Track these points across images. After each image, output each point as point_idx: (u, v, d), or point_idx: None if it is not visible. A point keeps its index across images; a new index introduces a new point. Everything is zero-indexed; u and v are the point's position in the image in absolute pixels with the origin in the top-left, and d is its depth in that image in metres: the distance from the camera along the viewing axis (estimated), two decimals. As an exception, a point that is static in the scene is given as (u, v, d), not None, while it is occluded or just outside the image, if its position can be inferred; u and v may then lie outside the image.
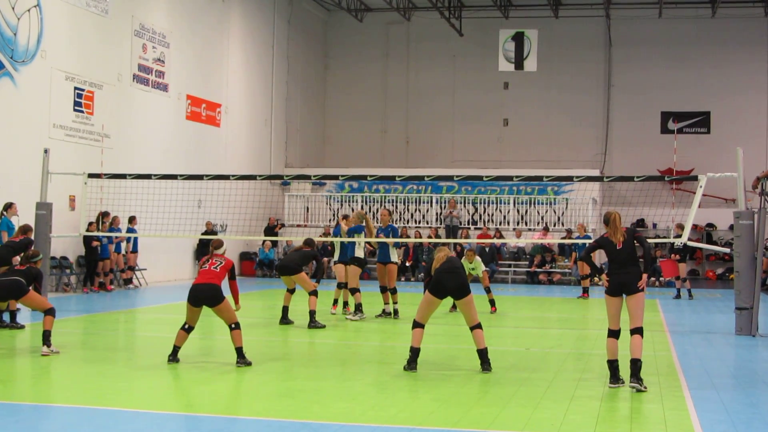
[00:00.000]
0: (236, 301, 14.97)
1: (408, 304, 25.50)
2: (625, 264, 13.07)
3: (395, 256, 21.76)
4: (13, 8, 25.76)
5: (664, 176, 30.39)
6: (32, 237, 18.39)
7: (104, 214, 27.73)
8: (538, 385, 12.78)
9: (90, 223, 26.13)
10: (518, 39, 40.48)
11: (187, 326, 14.50)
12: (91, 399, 11.62)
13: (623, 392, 12.30)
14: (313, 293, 19.66)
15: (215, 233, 31.61)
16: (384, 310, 21.57)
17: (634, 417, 10.80)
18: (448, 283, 13.90)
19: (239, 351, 14.24)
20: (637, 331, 12.90)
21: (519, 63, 40.47)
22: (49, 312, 15.39)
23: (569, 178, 28.25)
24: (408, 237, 36.82)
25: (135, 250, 29.86)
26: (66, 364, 14.09)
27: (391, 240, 21.47)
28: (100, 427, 10.12)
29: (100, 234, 27.30)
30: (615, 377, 12.75)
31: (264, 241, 36.51)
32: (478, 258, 23.37)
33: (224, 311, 14.39)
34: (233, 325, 14.34)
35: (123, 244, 29.46)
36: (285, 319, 19.94)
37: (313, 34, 46.44)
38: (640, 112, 43.85)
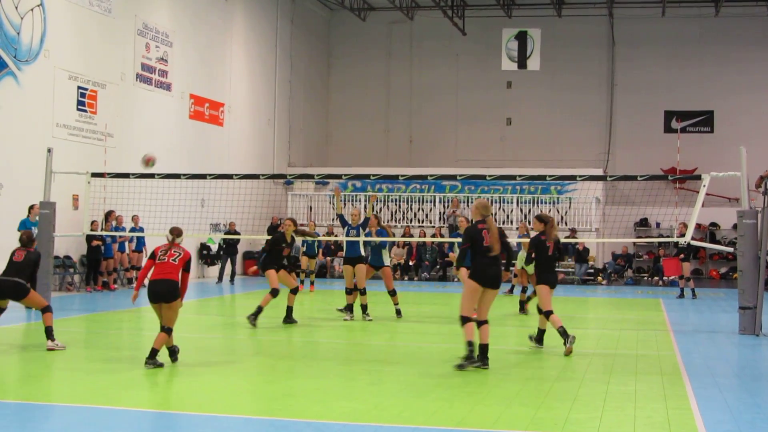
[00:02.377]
0: (181, 297, 14.31)
1: (411, 303, 25.53)
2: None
3: (388, 259, 21.68)
4: (16, 7, 25.77)
5: (668, 175, 30.36)
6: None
7: (108, 214, 27.75)
8: (542, 385, 12.77)
9: (92, 222, 26.13)
10: (521, 38, 40.50)
11: (166, 328, 13.99)
12: (93, 398, 11.61)
13: (627, 392, 12.29)
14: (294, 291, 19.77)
15: (238, 233, 31.61)
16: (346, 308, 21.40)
17: (637, 416, 10.78)
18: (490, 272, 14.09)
19: (153, 352, 13.74)
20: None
21: (522, 62, 40.48)
22: (47, 309, 15.50)
23: (572, 178, 28.27)
24: (411, 236, 36.82)
25: (139, 250, 29.86)
26: (68, 363, 14.08)
27: (366, 240, 21.32)
28: (102, 426, 10.12)
29: (104, 233, 27.34)
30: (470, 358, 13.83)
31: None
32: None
33: (172, 310, 14.02)
34: (166, 328, 13.91)
35: (126, 244, 29.47)
36: (289, 319, 19.89)
37: (316, 34, 46.44)
38: (643, 111, 43.83)
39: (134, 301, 15.03)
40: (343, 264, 21.53)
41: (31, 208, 23.67)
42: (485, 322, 14.06)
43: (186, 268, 14.29)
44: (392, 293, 21.39)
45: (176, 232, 14.67)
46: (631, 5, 43.63)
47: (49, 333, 15.29)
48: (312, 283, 29.40)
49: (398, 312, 21.43)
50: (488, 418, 10.55)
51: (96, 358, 14.70)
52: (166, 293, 13.98)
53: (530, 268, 22.38)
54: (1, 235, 24.85)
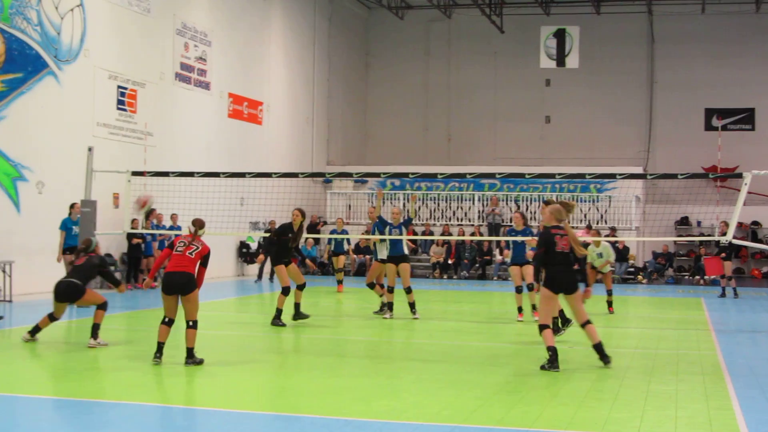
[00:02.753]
0: (198, 286, 14.33)
1: (451, 301, 25.51)
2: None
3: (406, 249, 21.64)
4: (56, 8, 25.93)
5: (708, 173, 30.09)
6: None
7: (150, 212, 27.86)
8: (582, 384, 12.72)
9: (133, 220, 26.25)
10: (560, 36, 40.37)
11: (167, 320, 14.03)
12: (134, 395, 11.66)
13: (668, 391, 12.22)
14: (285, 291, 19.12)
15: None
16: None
17: (678, 416, 10.72)
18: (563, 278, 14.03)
19: (190, 351, 13.76)
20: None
21: (561, 60, 40.35)
22: (102, 306, 15.62)
23: (612, 176, 28.08)
24: (450, 235, 36.77)
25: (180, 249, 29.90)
26: (110, 361, 14.14)
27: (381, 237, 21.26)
28: (144, 423, 10.16)
29: (144, 231, 27.47)
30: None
31: (306, 239, 36.56)
32: (605, 244, 23.31)
33: (192, 302, 13.93)
34: (191, 323, 13.87)
35: (166, 242, 29.56)
36: (299, 315, 19.50)
37: (354, 32, 46.47)
38: (683, 109, 43.56)
39: (146, 289, 15.25)
40: (387, 263, 21.28)
41: (72, 206, 23.81)
42: (588, 322, 14.12)
43: (203, 263, 14.22)
44: (408, 290, 21.17)
45: (198, 224, 14.51)
46: (670, 2, 43.39)
47: (94, 330, 15.40)
48: (340, 282, 28.73)
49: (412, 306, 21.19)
50: (528, 417, 10.51)
51: (136, 356, 14.75)
52: (182, 285, 13.91)
53: (598, 262, 22.52)
54: (43, 232, 25.04)
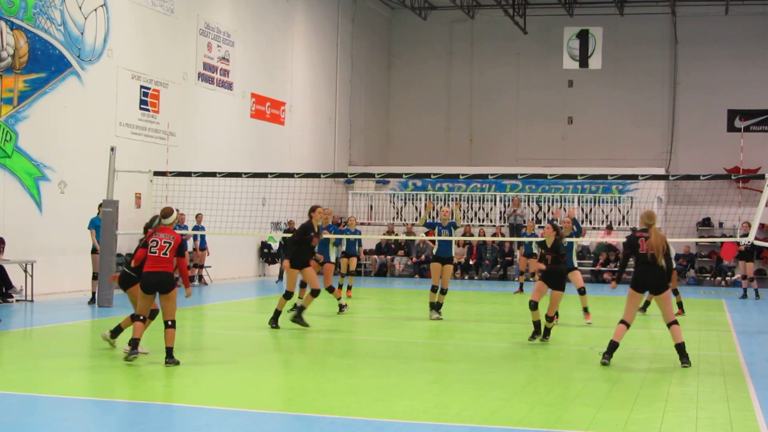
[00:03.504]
0: (186, 284, 14.54)
1: (472, 302, 25.50)
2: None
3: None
4: (80, 8, 26.03)
5: (731, 175, 30.07)
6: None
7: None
8: (602, 385, 12.71)
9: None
10: (583, 37, 40.27)
11: (141, 318, 13.95)
12: (155, 395, 11.71)
13: (689, 393, 12.20)
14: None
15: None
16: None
17: (699, 417, 10.70)
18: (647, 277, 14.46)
19: (169, 351, 13.57)
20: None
21: (584, 61, 40.26)
22: (171, 325, 13.86)
23: (634, 177, 28.02)
24: (471, 235, 36.75)
25: (203, 248, 30.00)
26: (132, 361, 14.18)
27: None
28: (165, 423, 10.21)
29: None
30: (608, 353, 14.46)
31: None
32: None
33: (171, 301, 13.76)
34: (170, 323, 13.67)
35: (190, 242, 29.65)
36: (299, 319, 18.86)
37: (377, 33, 46.49)
38: (705, 110, 43.41)
39: (115, 281, 14.76)
40: (432, 262, 21.11)
41: (101, 205, 23.72)
42: (674, 323, 14.51)
43: (179, 253, 13.98)
44: (443, 291, 21.14)
45: (163, 213, 14.16)
46: (694, 3, 43.27)
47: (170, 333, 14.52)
48: (349, 287, 26.73)
49: (439, 306, 21.19)
50: (549, 417, 10.51)
51: (160, 355, 14.80)
52: (161, 283, 13.76)
53: None
54: (65, 232, 25.15)
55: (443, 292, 20.84)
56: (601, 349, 15.00)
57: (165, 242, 13.85)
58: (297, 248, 18.78)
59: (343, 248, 26.53)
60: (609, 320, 20.97)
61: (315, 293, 18.50)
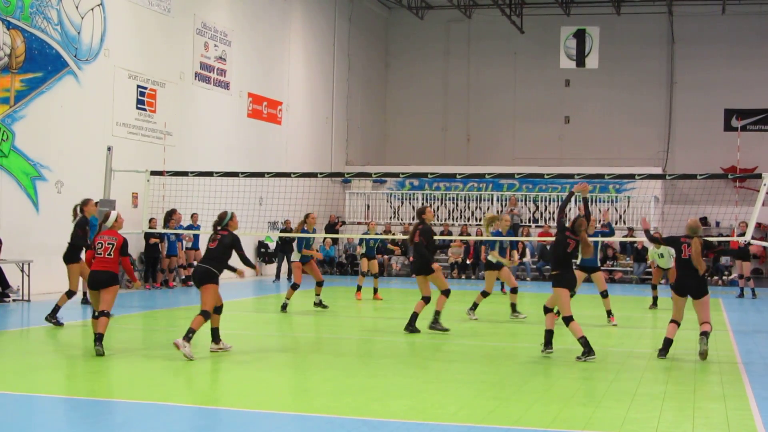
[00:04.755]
0: (133, 278, 16.07)
1: (469, 302, 25.46)
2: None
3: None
4: (77, 7, 26.03)
5: (728, 174, 30.08)
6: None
7: (172, 212, 27.90)
8: (600, 384, 12.72)
9: (150, 219, 26.28)
10: (580, 36, 40.30)
11: (96, 313, 14.80)
12: (151, 395, 11.70)
13: (686, 392, 12.20)
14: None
15: (292, 231, 31.68)
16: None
17: (696, 416, 10.71)
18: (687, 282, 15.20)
19: (100, 336, 14.40)
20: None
21: (580, 60, 40.29)
22: (217, 310, 15.00)
23: (631, 176, 28.10)
24: (468, 235, 36.74)
25: (197, 247, 29.98)
26: (126, 361, 14.18)
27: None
28: (160, 422, 10.20)
29: (164, 231, 27.53)
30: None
31: (324, 239, 36.60)
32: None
33: (110, 293, 14.81)
34: (102, 313, 14.63)
35: (184, 242, 29.65)
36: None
37: (373, 32, 46.50)
38: (702, 110, 43.45)
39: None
40: (486, 270, 21.24)
41: (85, 203, 23.36)
42: (706, 322, 15.23)
43: (123, 253, 15.07)
44: (514, 290, 21.36)
45: (104, 217, 15.72)
46: (690, 3, 43.30)
47: (214, 334, 15.12)
48: (375, 290, 26.29)
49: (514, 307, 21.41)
50: (545, 417, 10.51)
51: (154, 355, 14.80)
52: (105, 281, 14.82)
53: (662, 262, 22.91)
54: (62, 232, 25.08)
55: (514, 291, 21.22)
56: (596, 347, 15.00)
57: (108, 244, 15.01)
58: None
59: (363, 250, 26.40)
60: (605, 319, 20.97)
61: (447, 293, 18.26)
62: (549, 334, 15.18)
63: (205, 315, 14.52)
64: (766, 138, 42.59)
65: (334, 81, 42.12)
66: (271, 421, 10.28)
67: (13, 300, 22.63)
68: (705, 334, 14.97)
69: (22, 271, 23.02)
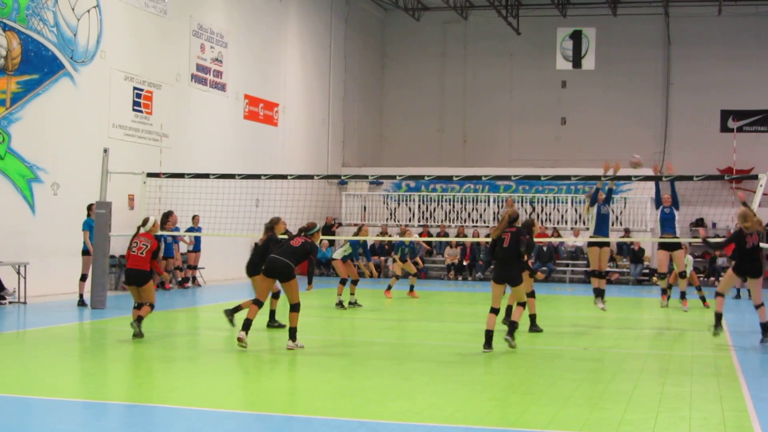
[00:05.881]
0: (161, 271, 18.64)
1: (466, 303, 25.47)
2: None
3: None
4: (72, 9, 26.00)
5: (724, 175, 30.09)
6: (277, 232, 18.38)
7: (168, 214, 27.85)
8: (596, 385, 12.71)
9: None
10: (576, 37, 40.31)
11: (137, 304, 16.78)
12: (149, 396, 11.70)
13: (682, 393, 12.20)
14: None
15: (288, 233, 31.59)
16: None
17: (693, 418, 10.70)
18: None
19: (139, 318, 16.40)
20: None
21: (577, 61, 40.29)
22: (295, 308, 15.51)
23: (627, 178, 28.03)
24: (465, 236, 36.75)
25: (198, 249, 29.96)
26: (124, 363, 14.18)
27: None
28: (157, 424, 10.19)
29: (161, 233, 27.51)
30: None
31: (321, 240, 36.54)
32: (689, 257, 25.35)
33: (146, 291, 16.69)
34: (146, 305, 16.64)
35: (184, 244, 29.65)
36: (272, 322, 18.91)
37: (370, 34, 46.50)
38: (699, 111, 43.47)
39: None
40: (590, 246, 21.47)
41: (90, 207, 23.61)
42: (761, 305, 17.21)
43: (154, 256, 16.86)
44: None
45: (143, 221, 17.35)
46: (687, 4, 43.31)
47: (291, 333, 15.58)
48: (412, 287, 26.76)
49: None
50: (542, 418, 10.51)
51: (152, 356, 14.79)
52: (139, 279, 16.69)
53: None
54: (58, 234, 25.12)
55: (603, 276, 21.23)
56: (592, 349, 14.99)
57: (143, 244, 16.83)
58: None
59: (398, 255, 26.57)
60: (602, 320, 20.99)
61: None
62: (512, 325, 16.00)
63: (295, 308, 15.50)
64: (762, 139, 42.62)
65: (331, 82, 42.12)
66: (266, 424, 10.27)
67: (9, 302, 22.58)
68: (764, 327, 17.09)
69: (18, 273, 22.97)
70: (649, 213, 37.24)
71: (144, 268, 16.67)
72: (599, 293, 20.68)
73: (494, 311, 15.66)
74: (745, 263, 17.31)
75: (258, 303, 15.72)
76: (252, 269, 18.15)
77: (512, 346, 15.75)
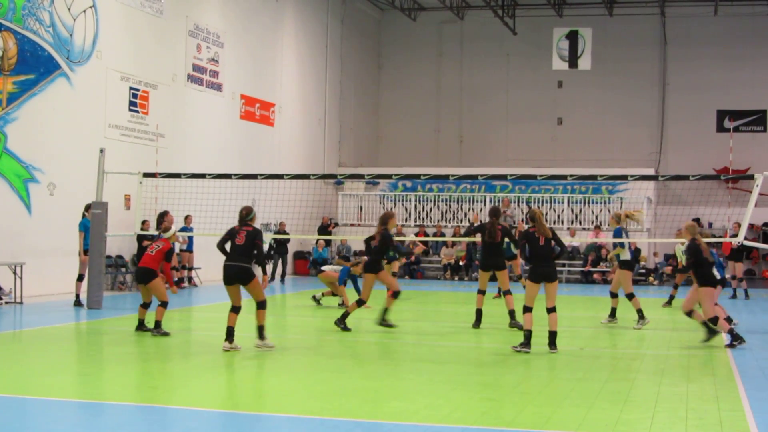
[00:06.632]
0: (171, 284, 17.57)
1: (462, 303, 25.45)
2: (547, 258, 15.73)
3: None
4: (69, 9, 25.98)
5: (720, 175, 30.09)
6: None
7: (164, 214, 27.80)
8: (593, 385, 12.71)
9: (143, 222, 26.20)
10: (572, 37, 40.34)
11: (143, 302, 17.45)
12: (144, 397, 11.69)
13: (679, 393, 12.20)
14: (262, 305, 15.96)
15: (287, 233, 31.64)
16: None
17: (689, 418, 10.71)
18: None
19: (157, 323, 16.82)
20: (554, 309, 15.73)
21: (573, 61, 40.33)
22: (261, 305, 15.68)
23: (624, 177, 28.09)
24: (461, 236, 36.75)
25: (190, 250, 29.94)
26: (119, 363, 14.17)
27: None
28: (154, 424, 10.18)
29: (155, 233, 27.49)
30: (527, 344, 15.45)
31: (317, 240, 36.55)
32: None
33: (153, 289, 17.07)
34: (159, 306, 17.00)
35: (177, 245, 29.59)
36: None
37: (366, 34, 46.50)
38: (695, 111, 43.51)
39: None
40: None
41: (88, 208, 23.53)
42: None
43: (166, 259, 17.29)
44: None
45: (164, 227, 18.32)
46: (683, 4, 43.36)
47: (260, 331, 15.66)
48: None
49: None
50: (539, 418, 10.51)
51: (148, 357, 14.78)
52: (142, 276, 17.19)
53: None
54: (54, 234, 25.10)
55: (629, 297, 20.62)
56: (589, 349, 14.99)
57: (156, 245, 17.32)
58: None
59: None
60: (598, 321, 20.99)
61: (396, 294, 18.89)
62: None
63: (261, 306, 15.82)
64: (759, 139, 42.66)
65: (327, 82, 42.10)
66: (263, 423, 10.27)
67: (6, 302, 22.58)
68: None
69: (15, 273, 22.96)
70: (645, 213, 37.23)
71: (150, 266, 17.06)
72: (641, 315, 20.45)
73: (529, 310, 15.65)
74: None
75: (235, 309, 15.69)
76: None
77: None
